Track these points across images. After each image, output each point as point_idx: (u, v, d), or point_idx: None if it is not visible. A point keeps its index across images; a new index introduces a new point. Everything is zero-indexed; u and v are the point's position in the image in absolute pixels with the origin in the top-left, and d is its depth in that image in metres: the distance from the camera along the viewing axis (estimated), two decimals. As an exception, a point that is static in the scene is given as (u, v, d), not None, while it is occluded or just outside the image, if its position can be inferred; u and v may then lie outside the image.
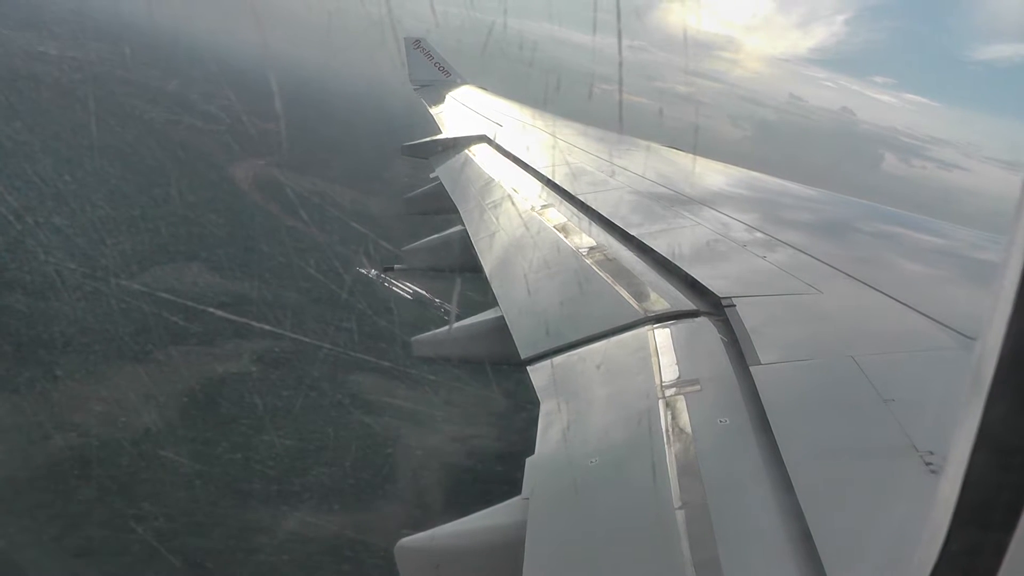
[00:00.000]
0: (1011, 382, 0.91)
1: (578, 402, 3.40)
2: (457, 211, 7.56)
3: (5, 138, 25.00)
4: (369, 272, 26.59)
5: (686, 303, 4.01)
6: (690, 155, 8.79)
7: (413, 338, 5.62)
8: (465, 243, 6.44)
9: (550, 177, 7.58)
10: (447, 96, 15.42)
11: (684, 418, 2.85)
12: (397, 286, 25.85)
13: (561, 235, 5.70)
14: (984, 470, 0.94)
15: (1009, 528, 0.92)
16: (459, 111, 14.10)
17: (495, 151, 9.71)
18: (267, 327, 21.28)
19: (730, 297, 3.87)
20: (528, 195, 7.23)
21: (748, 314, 3.64)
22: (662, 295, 4.19)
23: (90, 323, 18.91)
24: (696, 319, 3.83)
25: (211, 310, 21.18)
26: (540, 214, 6.45)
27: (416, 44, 17.30)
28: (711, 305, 3.94)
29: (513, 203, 7.09)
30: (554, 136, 10.43)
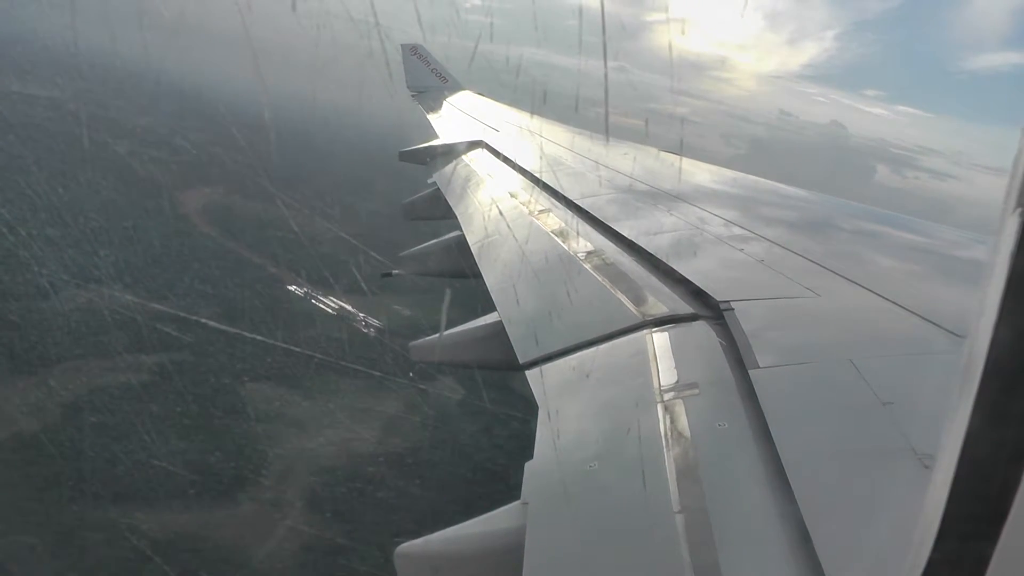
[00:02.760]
0: (998, 383, 0.91)
1: (576, 406, 3.39)
2: (454, 216, 7.56)
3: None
4: (297, 289, 27.27)
5: (684, 307, 4.00)
6: (688, 159, 8.81)
7: (411, 343, 5.61)
8: (463, 248, 6.44)
9: (547, 182, 7.58)
10: (444, 102, 15.44)
11: (683, 422, 2.85)
12: (323, 302, 26.54)
13: (559, 239, 5.70)
14: (973, 472, 0.94)
15: (997, 527, 0.92)
16: (456, 116, 14.11)
17: (493, 156, 9.71)
18: (171, 340, 21.69)
19: (728, 301, 3.87)
20: (526, 199, 7.23)
21: (746, 318, 3.63)
22: (660, 299, 4.19)
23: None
24: (694, 323, 3.83)
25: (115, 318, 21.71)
26: (538, 218, 6.45)
27: (413, 50, 17.33)
28: (709, 309, 3.94)
29: (510, 208, 7.09)
30: (552, 141, 10.44)
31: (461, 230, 6.99)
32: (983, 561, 0.94)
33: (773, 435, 2.57)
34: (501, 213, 7.00)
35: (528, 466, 2.91)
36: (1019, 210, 0.88)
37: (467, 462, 19.50)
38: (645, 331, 3.81)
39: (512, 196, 7.51)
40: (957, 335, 3.31)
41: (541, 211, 6.66)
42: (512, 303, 4.84)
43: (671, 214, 6.15)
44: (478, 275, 5.54)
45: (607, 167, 8.48)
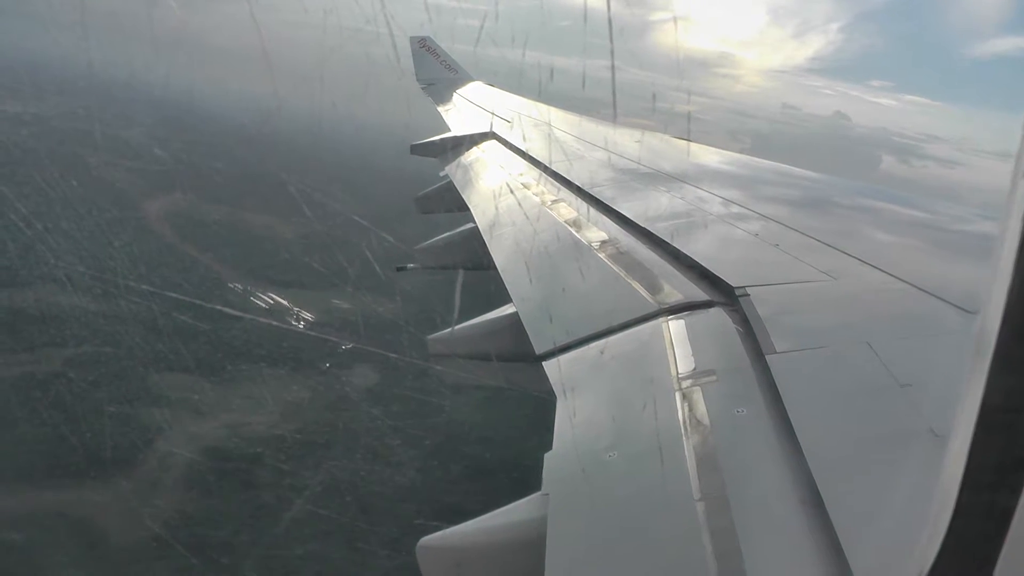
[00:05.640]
0: (1013, 347, 0.91)
1: (594, 396, 3.40)
2: (468, 208, 7.57)
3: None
4: (235, 286, 28.13)
5: (699, 294, 4.00)
6: (699, 145, 8.76)
7: (428, 336, 5.65)
8: (477, 240, 6.45)
9: (560, 171, 7.57)
10: (454, 94, 15.41)
11: (701, 409, 2.85)
12: (262, 298, 27.37)
13: (573, 229, 5.70)
14: (988, 442, 0.95)
15: (1015, 495, 0.92)
16: (467, 108, 14.10)
17: (505, 147, 9.70)
18: (100, 335, 22.31)
19: (744, 287, 3.86)
20: (539, 190, 7.23)
21: (762, 303, 3.63)
22: (675, 287, 4.18)
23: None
24: (710, 310, 3.82)
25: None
26: (551, 209, 6.45)
27: (422, 43, 17.31)
28: (725, 295, 3.93)
29: (523, 198, 7.09)
30: (563, 130, 10.42)
31: (474, 222, 7.00)
32: (1002, 527, 0.95)
33: (792, 420, 2.57)
34: (514, 204, 7.01)
35: (548, 457, 2.93)
36: None
37: (356, 441, 20.31)
38: (661, 319, 3.81)
39: (524, 187, 7.51)
40: (974, 314, 3.28)
41: (554, 201, 6.65)
42: (527, 294, 4.85)
43: (684, 200, 6.13)
44: (492, 267, 5.55)
45: (619, 155, 8.46)
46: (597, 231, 5.54)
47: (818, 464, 2.29)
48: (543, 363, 3.78)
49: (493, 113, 12.73)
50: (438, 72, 17.14)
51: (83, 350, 21.98)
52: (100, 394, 20.13)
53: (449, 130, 12.09)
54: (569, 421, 3.15)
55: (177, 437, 19.30)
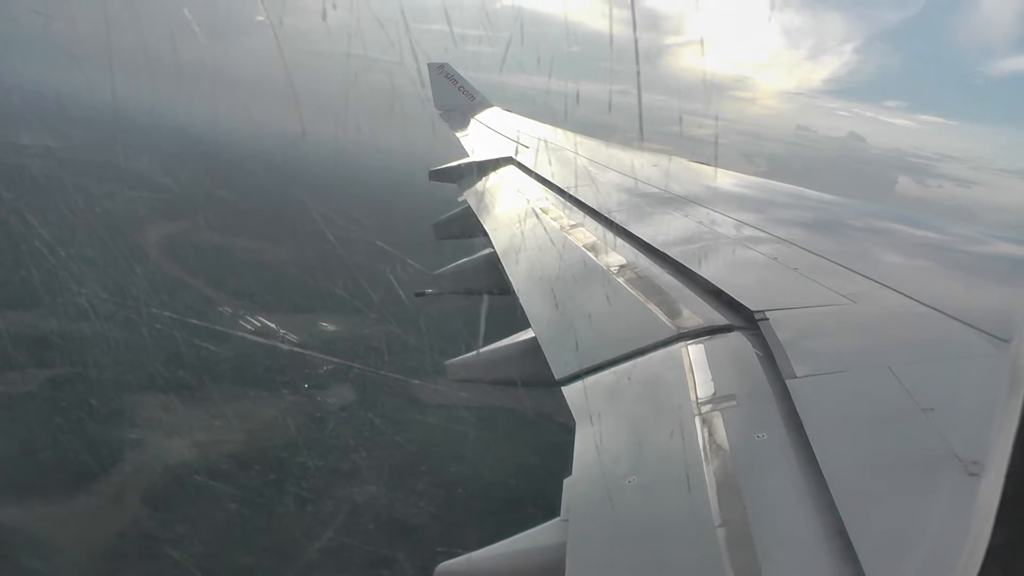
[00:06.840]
0: None
1: (614, 421, 3.39)
2: (486, 234, 7.61)
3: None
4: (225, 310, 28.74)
5: (719, 318, 3.99)
6: (721, 170, 8.78)
7: (447, 362, 5.66)
8: (495, 265, 6.48)
9: (578, 196, 7.61)
10: (472, 119, 15.54)
11: (721, 434, 2.84)
12: (250, 323, 27.88)
13: (591, 254, 5.71)
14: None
15: None
16: (485, 134, 14.20)
17: (523, 172, 9.76)
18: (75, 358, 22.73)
19: (763, 311, 3.85)
20: (557, 215, 7.26)
21: (782, 327, 3.61)
22: (695, 311, 4.18)
23: None
24: (729, 334, 3.82)
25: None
26: (569, 234, 6.47)
27: (440, 69, 17.48)
28: (744, 319, 3.92)
29: (542, 224, 7.12)
30: (583, 156, 10.47)
31: (492, 247, 7.03)
32: None
33: (813, 445, 2.56)
34: (532, 229, 7.04)
35: (567, 482, 2.93)
36: None
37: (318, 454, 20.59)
38: (680, 344, 3.81)
39: (543, 212, 7.54)
40: (997, 337, 3.26)
41: (572, 226, 6.68)
42: (546, 319, 4.86)
43: (701, 224, 6.13)
44: (510, 292, 5.57)
45: (635, 179, 8.49)
46: (615, 255, 5.55)
47: (841, 491, 2.28)
48: (563, 388, 3.79)
49: (510, 138, 12.82)
50: (456, 98, 17.30)
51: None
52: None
53: (467, 156, 12.19)
54: (588, 446, 3.15)
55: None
